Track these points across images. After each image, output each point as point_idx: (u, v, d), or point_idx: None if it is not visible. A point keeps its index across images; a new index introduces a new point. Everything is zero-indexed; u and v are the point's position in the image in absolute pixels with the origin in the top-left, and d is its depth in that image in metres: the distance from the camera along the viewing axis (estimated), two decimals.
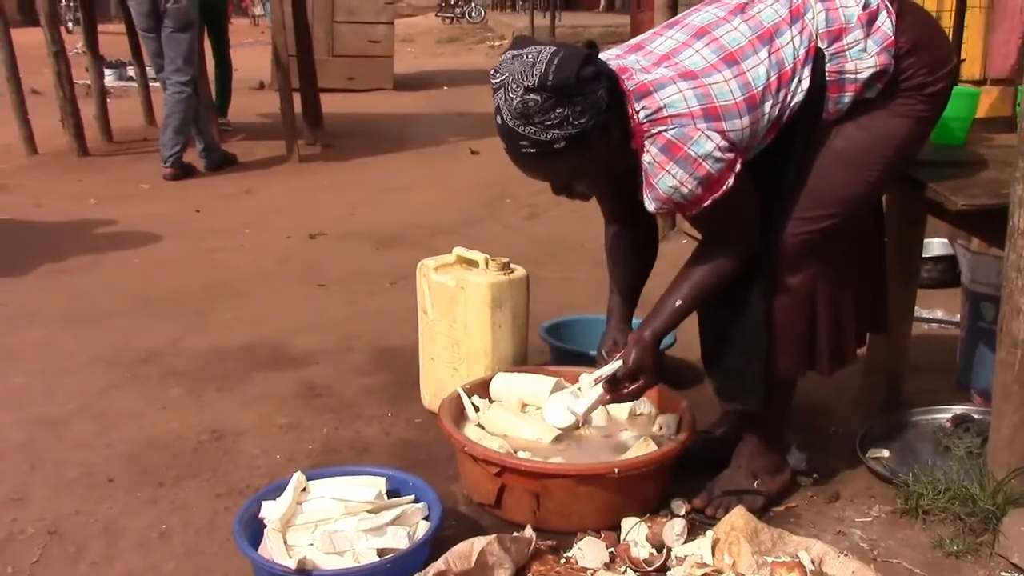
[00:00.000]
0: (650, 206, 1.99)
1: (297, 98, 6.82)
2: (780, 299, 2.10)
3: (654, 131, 1.91)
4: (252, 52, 12.52)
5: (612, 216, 2.34)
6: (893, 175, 2.14)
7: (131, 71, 9.17)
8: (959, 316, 2.92)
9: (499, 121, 1.91)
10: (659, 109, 1.90)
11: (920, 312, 3.12)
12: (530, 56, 1.86)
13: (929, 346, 3.10)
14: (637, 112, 1.92)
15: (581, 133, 1.86)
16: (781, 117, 1.99)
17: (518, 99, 1.85)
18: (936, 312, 3.41)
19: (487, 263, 2.62)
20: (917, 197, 2.29)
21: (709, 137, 1.89)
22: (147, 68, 7.17)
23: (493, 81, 1.90)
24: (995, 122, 2.96)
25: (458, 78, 11.18)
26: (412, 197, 5.63)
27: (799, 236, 2.06)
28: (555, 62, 1.83)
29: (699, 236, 2.19)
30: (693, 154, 1.89)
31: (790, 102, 1.98)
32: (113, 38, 9.20)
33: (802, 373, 2.21)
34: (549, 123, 1.85)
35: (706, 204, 1.94)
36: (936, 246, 3.66)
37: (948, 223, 2.59)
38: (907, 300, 2.66)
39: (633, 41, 2.09)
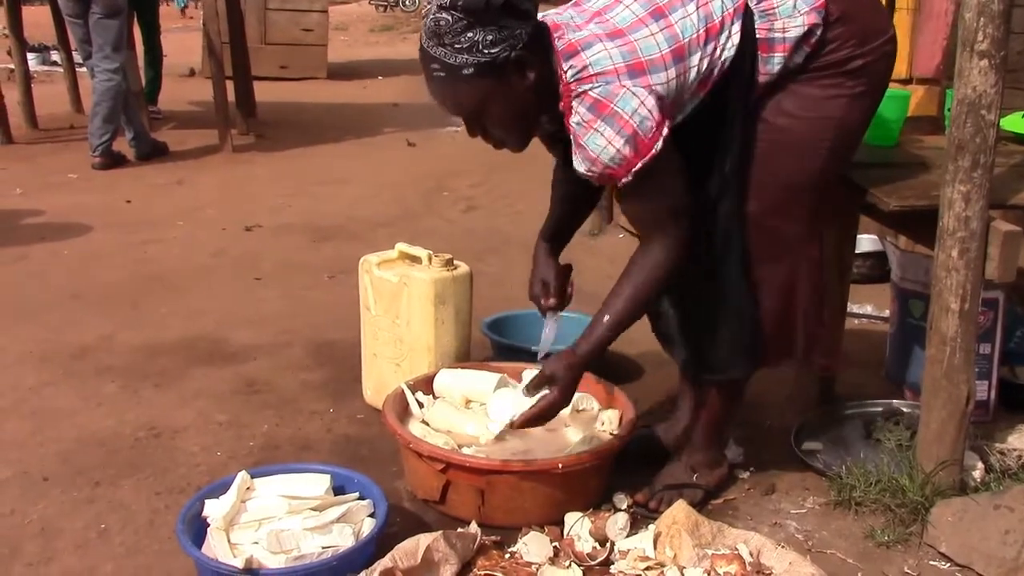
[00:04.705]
0: (580, 167, 1.99)
1: (230, 86, 6.72)
2: (755, 291, 2.12)
3: (580, 90, 1.92)
4: (181, 38, 12.28)
5: (561, 160, 2.31)
6: (841, 156, 2.13)
7: (55, 55, 8.95)
8: (888, 312, 3.01)
9: (419, 46, 1.95)
10: (584, 67, 1.92)
11: (851, 307, 3.20)
12: None
13: (859, 340, 3.18)
14: (565, 72, 1.94)
15: (491, 63, 1.89)
16: (711, 72, 1.98)
17: (431, 17, 1.90)
18: (866, 307, 3.51)
19: (430, 259, 2.62)
20: (851, 197, 2.34)
21: (635, 93, 1.89)
22: (73, 53, 6.99)
23: (425, 7, 1.94)
24: (921, 120, 3.06)
25: (393, 68, 11.10)
26: (348, 189, 5.58)
27: (765, 227, 2.08)
28: None
29: (633, 230, 2.20)
30: (619, 110, 1.89)
31: (719, 56, 1.97)
32: (35, 19, 8.94)
33: (775, 366, 2.24)
34: (459, 46, 1.89)
35: (636, 168, 1.93)
36: (866, 242, 3.75)
37: (879, 222, 2.66)
38: (841, 296, 2.73)
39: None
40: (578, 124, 1.93)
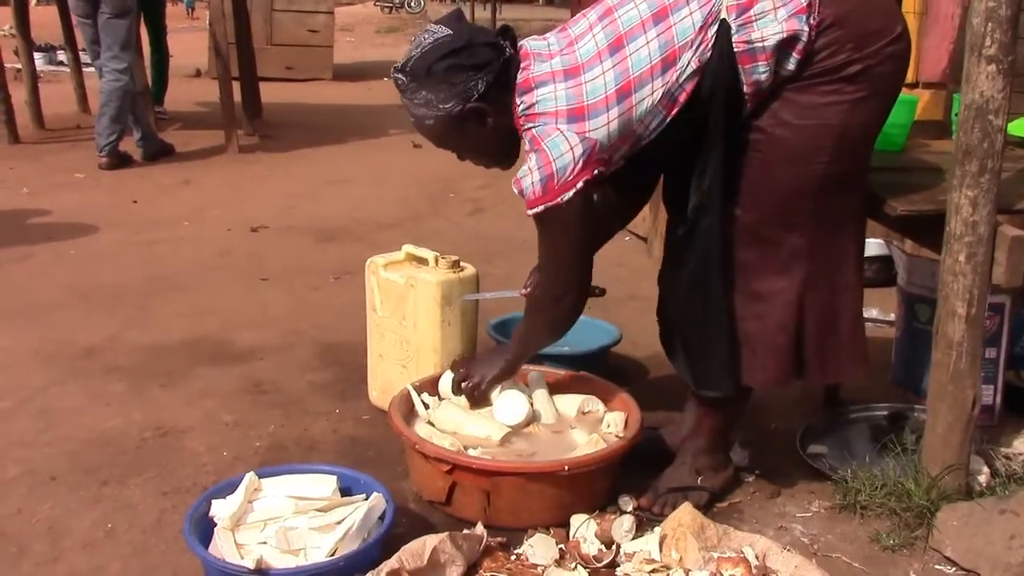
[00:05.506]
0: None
1: (236, 87, 6.72)
2: (755, 306, 2.10)
3: (526, 126, 2.02)
4: (187, 38, 12.30)
5: None
6: (847, 163, 2.04)
7: (61, 55, 8.97)
8: (894, 316, 3.00)
9: None
10: (532, 105, 2.01)
11: None
12: (424, 36, 2.03)
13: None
14: (518, 106, 2.02)
15: (447, 116, 2.01)
16: (672, 97, 1.97)
17: (392, 75, 2.05)
18: (871, 311, 3.50)
19: (437, 261, 2.63)
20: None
21: (567, 138, 1.96)
22: (80, 53, 7.00)
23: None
24: (927, 124, 3.06)
25: None
26: (354, 190, 5.59)
27: (763, 237, 2.06)
28: (425, 50, 2.00)
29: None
30: (547, 149, 1.98)
31: (678, 80, 1.95)
32: (42, 20, 8.97)
33: (784, 383, 2.20)
34: (417, 102, 2.05)
35: (538, 208, 2.02)
36: (872, 246, 3.74)
37: (886, 226, 2.66)
38: None
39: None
40: (526, 152, 2.05)
